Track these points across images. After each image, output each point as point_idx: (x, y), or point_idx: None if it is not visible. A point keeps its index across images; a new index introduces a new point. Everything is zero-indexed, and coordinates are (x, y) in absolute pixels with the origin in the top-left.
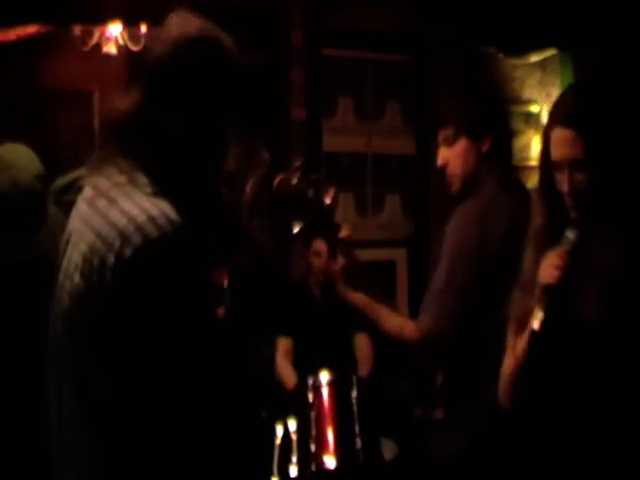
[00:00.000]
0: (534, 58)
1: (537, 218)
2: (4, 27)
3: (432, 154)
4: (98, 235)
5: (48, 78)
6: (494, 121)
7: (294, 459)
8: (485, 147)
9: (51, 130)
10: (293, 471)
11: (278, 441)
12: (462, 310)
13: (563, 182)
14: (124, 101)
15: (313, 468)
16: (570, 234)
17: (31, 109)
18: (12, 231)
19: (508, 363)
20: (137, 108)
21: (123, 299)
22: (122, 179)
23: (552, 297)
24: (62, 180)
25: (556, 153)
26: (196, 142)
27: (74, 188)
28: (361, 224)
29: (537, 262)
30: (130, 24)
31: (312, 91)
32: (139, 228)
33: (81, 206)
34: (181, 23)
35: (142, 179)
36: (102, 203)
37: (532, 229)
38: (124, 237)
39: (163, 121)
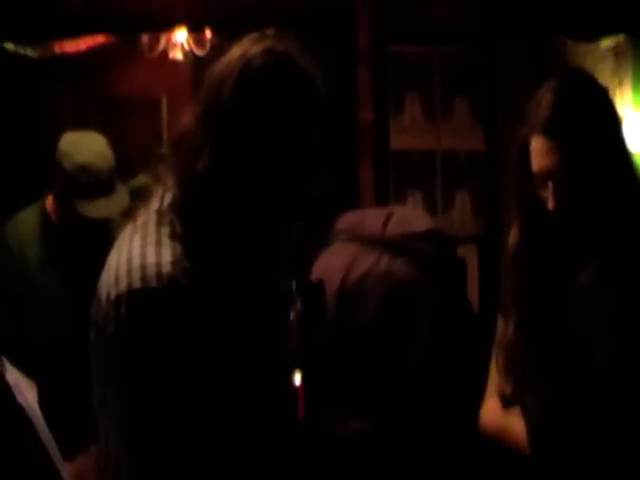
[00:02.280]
0: (605, 44)
1: (513, 239)
2: (75, 38)
3: (502, 150)
4: (107, 268)
5: (117, 86)
6: None
7: None
8: None
9: (121, 137)
10: None
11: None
12: None
13: (548, 198)
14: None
15: None
16: None
17: (101, 117)
18: (100, 194)
19: (491, 407)
20: (208, 172)
21: (101, 339)
22: (153, 208)
23: None
24: (133, 183)
25: (535, 165)
26: (255, 198)
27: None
28: None
29: (518, 292)
30: (195, 30)
31: (379, 90)
32: (129, 273)
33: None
34: (253, 55)
35: (170, 217)
36: (127, 233)
37: (509, 252)
38: (116, 278)
39: (232, 184)
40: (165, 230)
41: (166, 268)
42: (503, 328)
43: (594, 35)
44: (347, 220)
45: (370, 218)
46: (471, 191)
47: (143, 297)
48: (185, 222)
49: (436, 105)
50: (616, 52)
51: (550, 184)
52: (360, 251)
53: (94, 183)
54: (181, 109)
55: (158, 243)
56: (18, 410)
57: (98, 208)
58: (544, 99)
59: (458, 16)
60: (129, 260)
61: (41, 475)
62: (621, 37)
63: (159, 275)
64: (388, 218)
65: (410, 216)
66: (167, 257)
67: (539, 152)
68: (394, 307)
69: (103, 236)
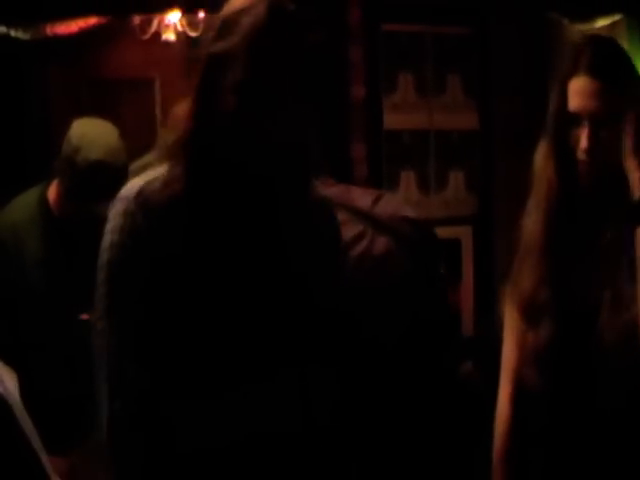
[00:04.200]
0: (601, 23)
1: (543, 183)
2: (66, 19)
3: (496, 128)
4: None
5: (109, 68)
6: None
7: None
8: None
9: (114, 119)
10: None
11: None
12: None
13: (581, 137)
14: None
15: None
16: None
17: (94, 99)
18: (111, 193)
19: (509, 357)
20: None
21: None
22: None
23: None
24: (140, 162)
25: (576, 104)
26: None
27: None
28: (424, 202)
29: (545, 234)
30: (189, 11)
31: (371, 68)
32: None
33: None
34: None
35: (175, 153)
36: None
37: (536, 194)
38: None
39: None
40: (165, 166)
41: (134, 188)
42: (511, 290)
43: (590, 15)
44: (333, 189)
45: (357, 193)
46: (465, 171)
47: (117, 204)
48: (190, 158)
49: (429, 84)
50: (612, 32)
51: (586, 123)
52: (347, 220)
53: (107, 184)
54: (175, 90)
55: (151, 166)
56: None
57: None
58: (586, 46)
59: None
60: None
61: (22, 463)
62: (617, 17)
63: (127, 190)
64: (378, 198)
65: (399, 202)
66: (143, 178)
67: (582, 92)
68: (372, 282)
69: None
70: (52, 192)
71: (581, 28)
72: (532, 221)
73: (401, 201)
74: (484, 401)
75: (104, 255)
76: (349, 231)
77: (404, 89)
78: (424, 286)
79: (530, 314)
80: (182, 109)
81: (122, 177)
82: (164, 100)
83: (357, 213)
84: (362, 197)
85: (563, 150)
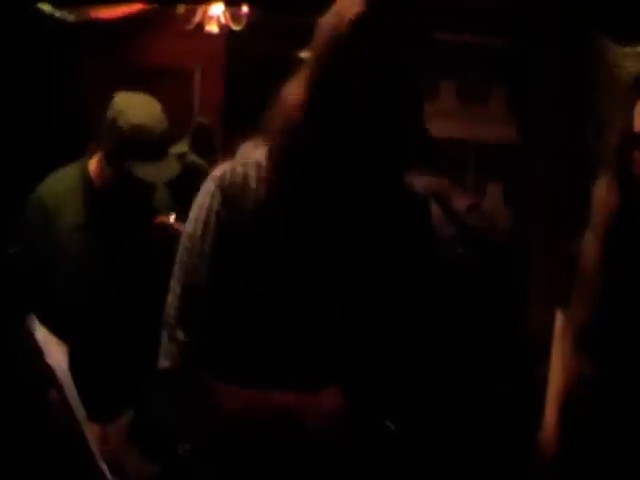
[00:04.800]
0: None
1: (604, 205)
2: (111, 5)
3: (536, 142)
4: None
5: (150, 56)
6: None
7: None
8: None
9: None
10: None
11: None
12: None
13: None
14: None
15: None
16: None
17: (134, 86)
18: (153, 157)
19: (557, 381)
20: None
21: None
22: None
23: None
24: (173, 149)
25: None
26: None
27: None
28: None
29: (603, 260)
30: (232, 4)
31: None
32: None
33: None
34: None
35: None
36: None
37: (597, 215)
38: None
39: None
40: (257, 153)
41: (223, 168)
42: (563, 319)
43: (636, 37)
44: (428, 179)
45: (455, 192)
46: (504, 183)
47: (206, 182)
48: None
49: (471, 93)
50: None
51: None
52: (440, 217)
53: (148, 145)
54: (214, 81)
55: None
56: (46, 369)
57: (150, 171)
58: None
59: (496, 2)
60: None
61: (65, 435)
62: None
63: (222, 173)
64: (474, 207)
65: (493, 216)
66: (242, 161)
67: None
68: (453, 290)
69: (145, 206)
70: (93, 165)
71: (626, 50)
72: (590, 247)
73: (495, 216)
74: (512, 413)
75: (186, 227)
76: (444, 230)
77: (445, 97)
78: (494, 305)
79: (585, 341)
80: (291, 92)
81: (163, 143)
82: (203, 91)
83: (451, 214)
84: (459, 198)
85: (627, 174)
